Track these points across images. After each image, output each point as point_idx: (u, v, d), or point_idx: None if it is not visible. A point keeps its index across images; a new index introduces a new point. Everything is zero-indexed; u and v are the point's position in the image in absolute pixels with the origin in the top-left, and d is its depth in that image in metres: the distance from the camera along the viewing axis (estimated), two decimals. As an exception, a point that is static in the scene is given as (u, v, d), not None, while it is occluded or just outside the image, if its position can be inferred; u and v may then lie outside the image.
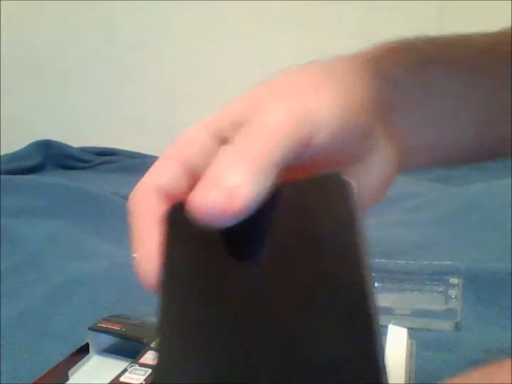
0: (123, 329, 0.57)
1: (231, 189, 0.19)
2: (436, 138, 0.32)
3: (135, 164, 1.72)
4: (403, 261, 0.80)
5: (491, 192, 1.07)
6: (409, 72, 0.30)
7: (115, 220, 1.11)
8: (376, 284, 0.75)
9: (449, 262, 0.62)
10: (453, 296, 0.61)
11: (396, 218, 1.05)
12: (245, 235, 0.21)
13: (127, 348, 0.57)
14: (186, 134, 0.26)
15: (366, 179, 0.28)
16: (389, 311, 0.61)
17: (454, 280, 0.62)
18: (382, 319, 0.18)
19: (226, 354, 0.19)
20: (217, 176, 0.20)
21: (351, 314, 0.18)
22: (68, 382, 0.55)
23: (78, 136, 1.85)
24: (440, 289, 0.62)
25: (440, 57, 0.32)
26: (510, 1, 1.59)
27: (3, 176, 1.26)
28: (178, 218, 0.23)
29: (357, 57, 0.31)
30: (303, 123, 0.23)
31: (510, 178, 1.05)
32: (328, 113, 0.24)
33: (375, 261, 0.81)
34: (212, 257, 0.22)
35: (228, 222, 0.20)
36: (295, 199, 0.22)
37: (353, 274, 0.19)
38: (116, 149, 1.82)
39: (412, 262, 0.79)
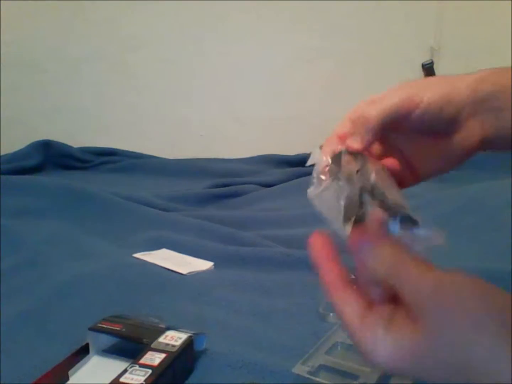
0: (123, 329, 0.57)
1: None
2: None
3: (135, 164, 1.72)
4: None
5: (490, 192, 1.07)
6: None
7: (115, 220, 1.11)
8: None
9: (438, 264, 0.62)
10: None
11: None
12: None
13: (127, 348, 0.57)
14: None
15: (451, 149, 0.43)
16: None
17: None
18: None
19: None
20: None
21: None
22: (68, 382, 0.55)
23: (78, 136, 1.86)
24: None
25: None
26: (510, 1, 1.60)
27: (3, 176, 1.26)
28: None
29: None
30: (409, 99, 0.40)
31: (510, 178, 1.05)
32: (431, 93, 0.40)
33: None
34: None
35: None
36: None
37: None
38: (116, 149, 1.82)
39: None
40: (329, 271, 0.35)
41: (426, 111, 0.41)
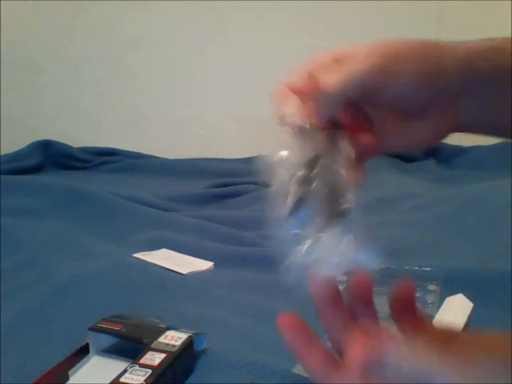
0: (123, 329, 0.57)
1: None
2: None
3: (135, 164, 1.72)
4: (383, 265, 0.80)
5: (490, 192, 1.07)
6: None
7: (115, 220, 1.11)
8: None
9: (428, 268, 0.63)
10: (429, 302, 0.61)
11: (396, 218, 1.05)
12: None
13: (127, 348, 0.57)
14: (316, 55, 0.38)
15: (421, 130, 0.38)
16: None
17: (432, 287, 0.63)
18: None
19: None
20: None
21: None
22: (68, 382, 0.55)
23: (78, 136, 1.85)
24: (417, 295, 0.62)
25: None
26: (510, 1, 1.60)
27: (3, 176, 1.26)
28: None
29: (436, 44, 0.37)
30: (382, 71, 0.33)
31: (510, 178, 1.05)
32: (409, 73, 0.34)
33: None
34: None
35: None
36: None
37: None
38: (116, 149, 1.82)
39: (392, 266, 0.79)
40: (313, 357, 0.32)
41: (400, 91, 0.34)
